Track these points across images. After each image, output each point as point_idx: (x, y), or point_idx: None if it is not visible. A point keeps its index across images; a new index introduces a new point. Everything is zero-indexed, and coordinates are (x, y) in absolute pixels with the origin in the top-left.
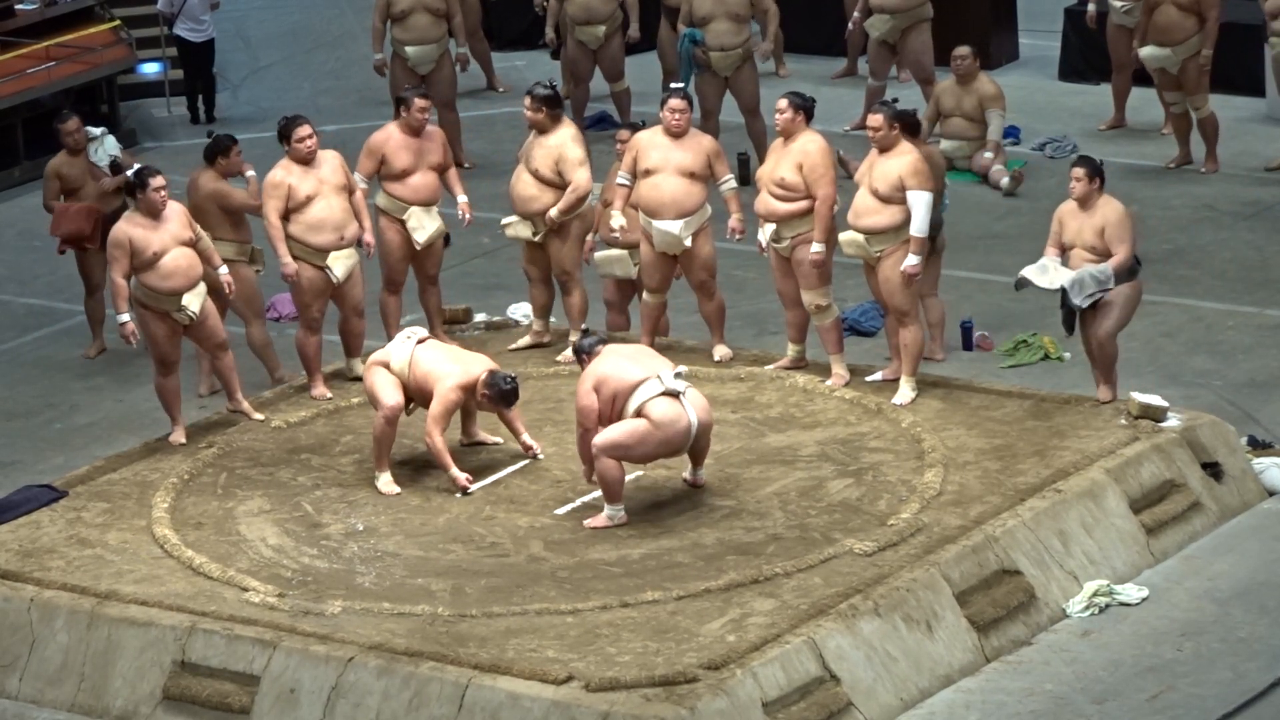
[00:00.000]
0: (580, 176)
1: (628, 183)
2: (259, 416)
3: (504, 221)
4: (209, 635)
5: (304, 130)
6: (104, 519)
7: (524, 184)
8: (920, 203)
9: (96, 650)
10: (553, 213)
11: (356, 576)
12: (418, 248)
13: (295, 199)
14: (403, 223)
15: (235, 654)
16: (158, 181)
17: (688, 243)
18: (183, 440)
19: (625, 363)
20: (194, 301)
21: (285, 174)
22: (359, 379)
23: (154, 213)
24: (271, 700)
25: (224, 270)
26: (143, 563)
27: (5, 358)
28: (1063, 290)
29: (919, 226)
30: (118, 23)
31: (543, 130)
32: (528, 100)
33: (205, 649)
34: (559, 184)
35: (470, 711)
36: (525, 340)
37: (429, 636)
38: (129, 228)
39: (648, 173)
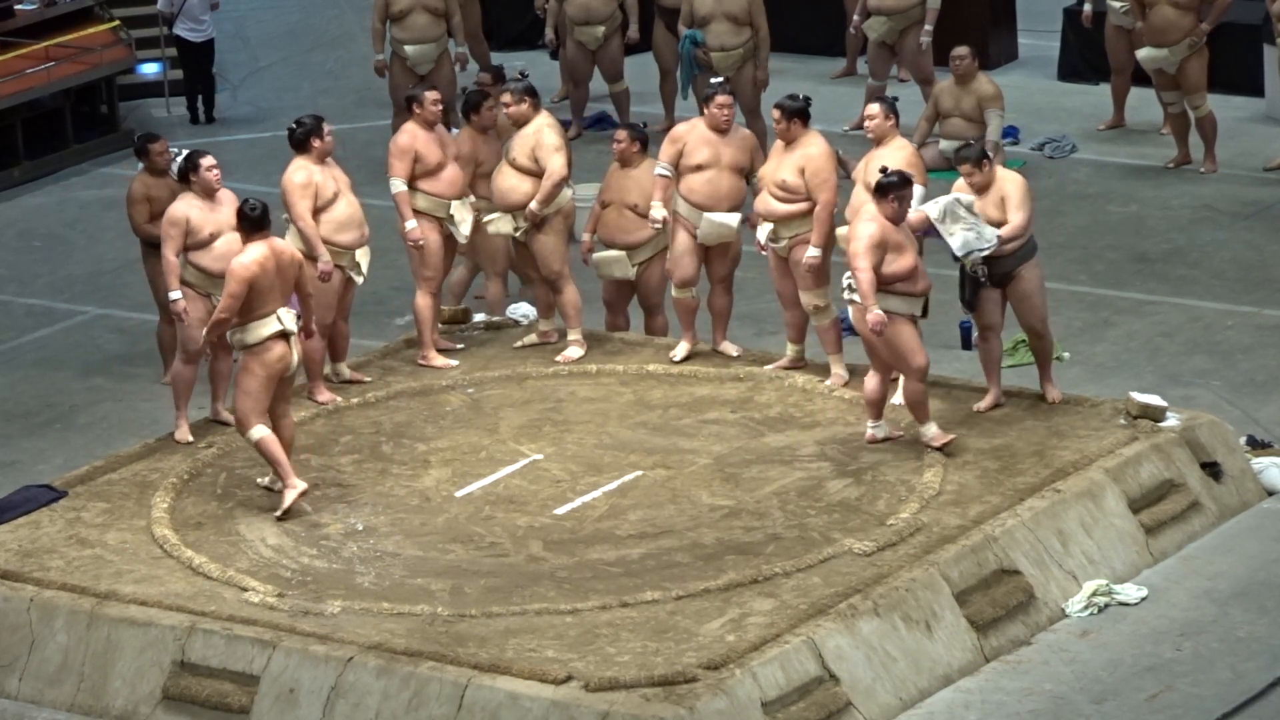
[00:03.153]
0: (555, 163)
1: (669, 174)
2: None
3: (486, 219)
4: (208, 635)
5: (329, 127)
6: (103, 519)
7: (504, 175)
8: (914, 197)
9: (96, 650)
10: (533, 206)
11: (356, 576)
12: (463, 241)
13: (323, 197)
14: (441, 221)
15: (235, 654)
16: (209, 161)
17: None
18: (189, 438)
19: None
20: None
21: (310, 174)
22: (348, 382)
23: (210, 193)
24: (271, 700)
25: None
26: (142, 563)
27: (5, 358)
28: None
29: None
30: (117, 23)
31: (521, 122)
32: (506, 95)
33: (205, 649)
34: (537, 172)
35: (470, 711)
36: (531, 339)
37: (428, 636)
38: (187, 207)
39: (699, 168)
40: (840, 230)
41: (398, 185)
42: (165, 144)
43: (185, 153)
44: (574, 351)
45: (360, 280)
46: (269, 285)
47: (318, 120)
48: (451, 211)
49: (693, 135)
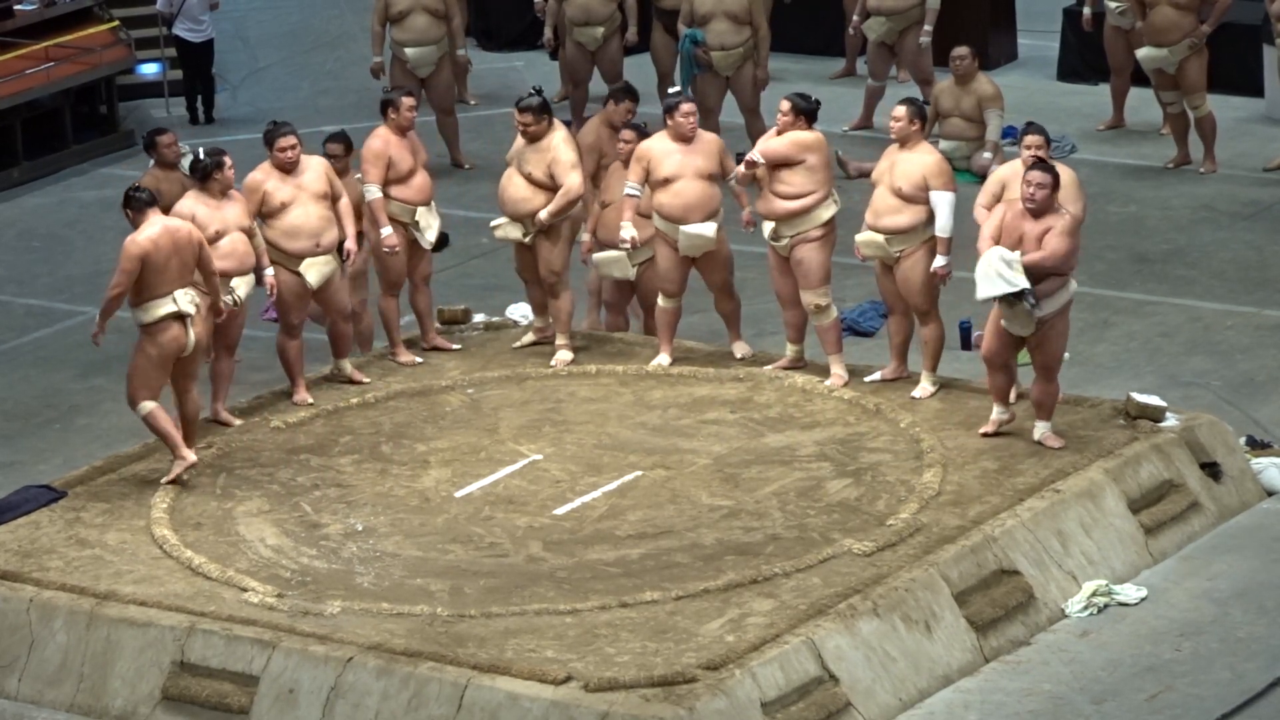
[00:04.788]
0: (573, 180)
1: (637, 194)
2: (238, 422)
3: (493, 224)
4: (208, 635)
5: (286, 141)
6: (103, 519)
7: (515, 186)
8: (944, 203)
9: (95, 650)
10: (543, 215)
11: (355, 577)
12: (427, 247)
13: (269, 204)
14: (407, 226)
15: (234, 654)
16: (228, 161)
17: (713, 242)
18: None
19: None
20: (242, 287)
21: (263, 178)
22: (349, 381)
23: (225, 191)
24: (270, 700)
25: (270, 271)
26: (142, 563)
27: (4, 358)
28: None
29: (944, 227)
30: (116, 23)
31: (538, 138)
32: (528, 116)
33: (204, 649)
34: (552, 186)
35: (469, 711)
36: (529, 338)
37: (428, 637)
38: (194, 204)
39: (666, 181)
40: (860, 236)
41: (373, 192)
42: (174, 137)
43: (195, 150)
44: (565, 355)
45: (310, 287)
46: (163, 263)
47: (274, 128)
48: (417, 218)
49: (657, 149)
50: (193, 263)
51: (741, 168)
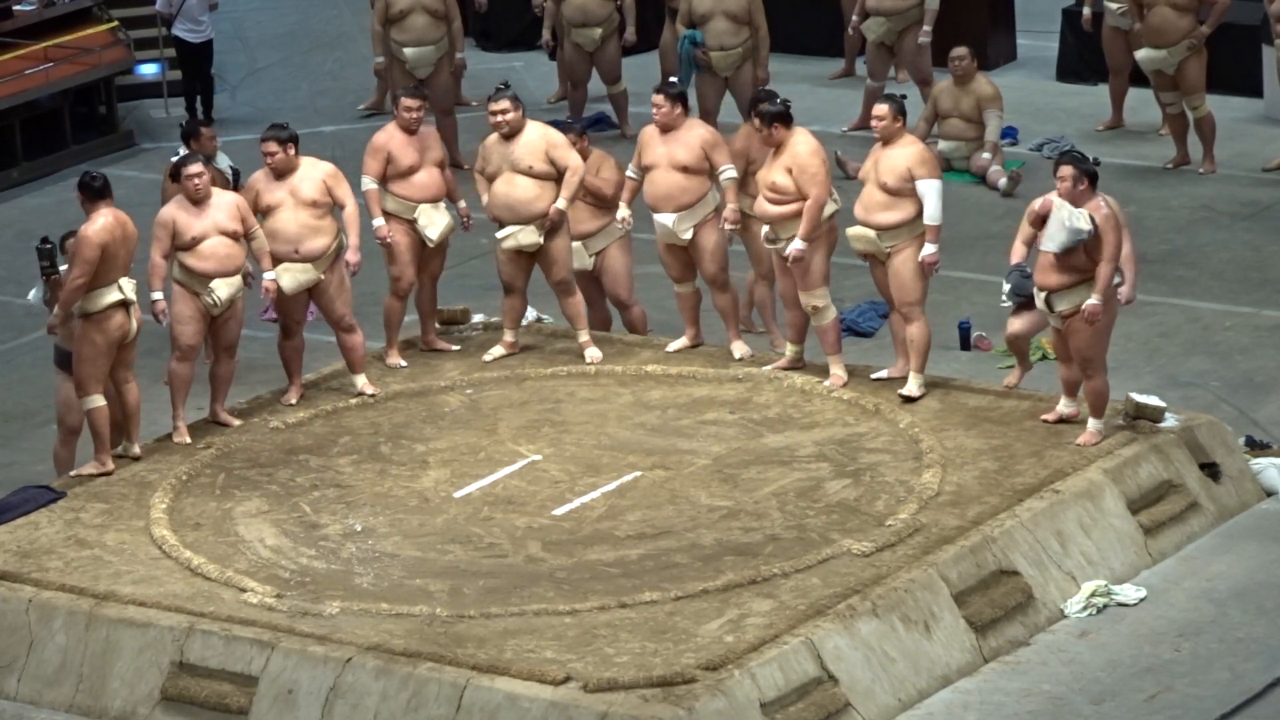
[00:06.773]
0: (574, 158)
1: (635, 176)
2: (237, 423)
3: (500, 235)
4: (207, 636)
5: (267, 147)
6: (102, 520)
7: (521, 188)
8: (932, 191)
9: (95, 651)
10: (561, 203)
11: (354, 577)
12: (430, 245)
13: (258, 205)
14: (411, 223)
15: (233, 655)
16: (192, 169)
17: (686, 236)
18: (186, 440)
19: None
20: (223, 289)
21: (256, 180)
22: (361, 395)
23: (192, 199)
24: (270, 701)
25: (269, 275)
26: (141, 563)
27: (4, 358)
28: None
29: (933, 215)
30: (116, 23)
31: (514, 132)
32: (505, 103)
33: (203, 649)
34: (554, 175)
35: (468, 712)
36: (499, 351)
37: (427, 637)
38: (175, 210)
39: (646, 169)
40: (851, 230)
41: (367, 183)
42: (214, 130)
43: (180, 155)
44: (595, 352)
45: (284, 291)
46: (115, 253)
47: (266, 131)
48: (417, 215)
49: (646, 136)
50: (133, 254)
51: (729, 213)
